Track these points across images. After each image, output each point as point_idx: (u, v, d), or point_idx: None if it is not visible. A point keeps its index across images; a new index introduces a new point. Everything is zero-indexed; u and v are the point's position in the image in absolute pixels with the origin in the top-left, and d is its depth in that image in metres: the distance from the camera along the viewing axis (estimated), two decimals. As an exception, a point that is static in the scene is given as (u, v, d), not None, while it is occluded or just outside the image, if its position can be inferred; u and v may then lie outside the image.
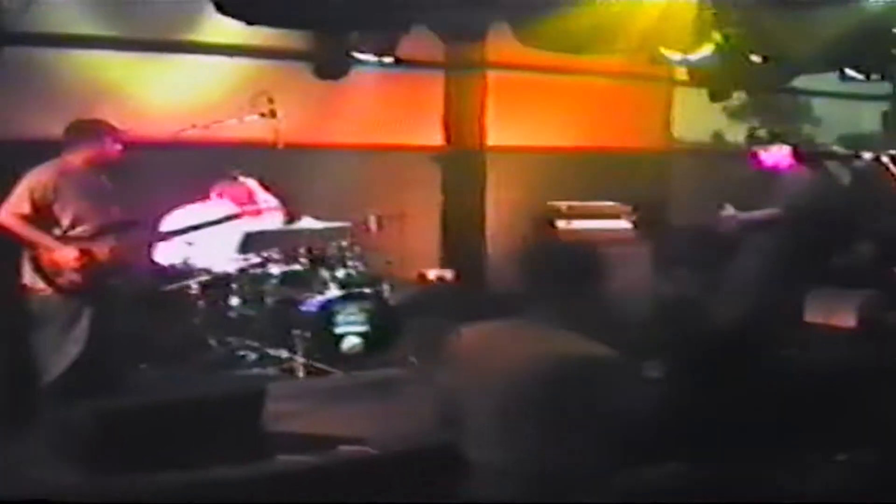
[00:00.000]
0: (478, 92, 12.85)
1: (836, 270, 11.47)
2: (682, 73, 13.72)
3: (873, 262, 11.59)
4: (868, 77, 13.36)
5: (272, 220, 10.18)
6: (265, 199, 10.24)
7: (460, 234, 12.73)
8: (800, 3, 11.13)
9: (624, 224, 12.24)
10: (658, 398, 6.93)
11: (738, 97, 14.21)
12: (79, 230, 7.98)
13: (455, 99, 12.83)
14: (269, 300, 10.02)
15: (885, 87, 14.01)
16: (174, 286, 9.79)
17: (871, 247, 11.94)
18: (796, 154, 10.83)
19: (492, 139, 12.86)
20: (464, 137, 12.79)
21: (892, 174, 10.95)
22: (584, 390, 4.78)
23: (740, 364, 8.67)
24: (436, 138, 12.76)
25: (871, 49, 12.51)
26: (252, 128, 9.73)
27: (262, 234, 10.08)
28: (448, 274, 11.96)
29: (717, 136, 14.38)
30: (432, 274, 11.89)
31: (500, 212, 12.85)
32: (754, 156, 10.79)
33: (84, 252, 7.93)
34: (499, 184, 12.87)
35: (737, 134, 14.08)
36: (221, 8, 9.83)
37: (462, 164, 12.81)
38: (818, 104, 15.23)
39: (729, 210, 10.57)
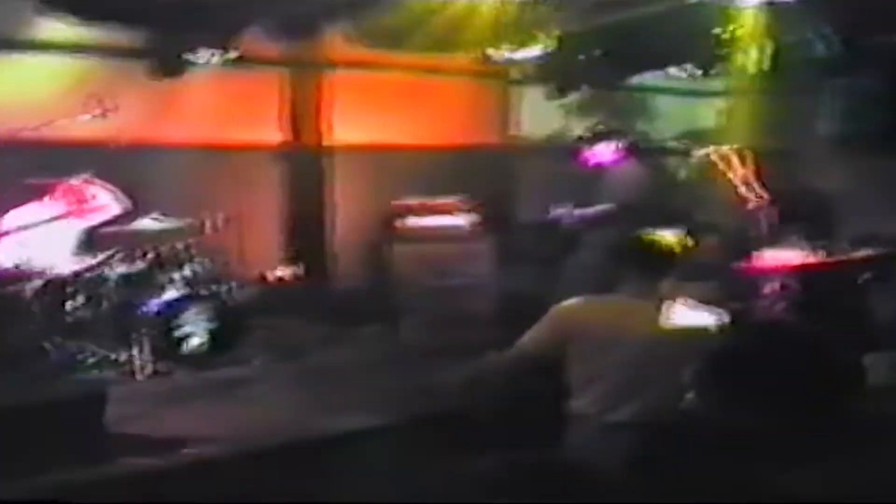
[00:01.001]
0: (318, 90, 12.82)
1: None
2: (520, 71, 13.85)
3: (710, 255, 11.86)
4: (706, 73, 13.68)
5: (104, 219, 10.01)
6: (99, 199, 10.06)
7: (302, 233, 12.69)
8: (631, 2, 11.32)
9: (466, 220, 12.35)
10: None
11: (576, 94, 14.39)
12: None
13: (295, 97, 12.78)
14: (108, 301, 9.85)
15: (720, 84, 14.33)
16: (7, 289, 9.56)
17: (707, 241, 12.21)
18: (630, 150, 11.06)
19: (333, 137, 12.83)
20: (305, 135, 12.75)
21: (724, 170, 11.22)
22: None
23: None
24: (277, 136, 12.69)
25: (700, 47, 12.80)
26: (90, 127, 9.56)
27: (100, 234, 9.92)
28: (290, 273, 11.90)
29: (557, 132, 14.53)
30: (275, 273, 11.82)
31: (343, 210, 12.84)
32: (581, 153, 11.03)
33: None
34: (341, 182, 12.86)
35: (576, 131, 14.28)
36: (49, 4, 9.65)
37: (303, 162, 12.77)
38: (655, 101, 15.49)
39: (563, 207, 10.75)
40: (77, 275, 9.81)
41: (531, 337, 6.53)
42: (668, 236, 6.89)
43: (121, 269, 10.01)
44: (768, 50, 12.62)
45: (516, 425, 7.11)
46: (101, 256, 9.92)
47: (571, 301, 6.56)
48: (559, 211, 10.86)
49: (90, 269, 9.87)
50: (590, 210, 10.68)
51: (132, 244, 10.11)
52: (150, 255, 10.11)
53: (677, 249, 6.81)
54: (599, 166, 10.92)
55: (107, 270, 9.92)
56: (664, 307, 6.47)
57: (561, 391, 6.52)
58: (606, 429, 6.20)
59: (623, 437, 6.15)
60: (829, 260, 10.76)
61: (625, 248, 6.86)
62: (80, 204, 9.87)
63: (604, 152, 10.88)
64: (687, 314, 6.56)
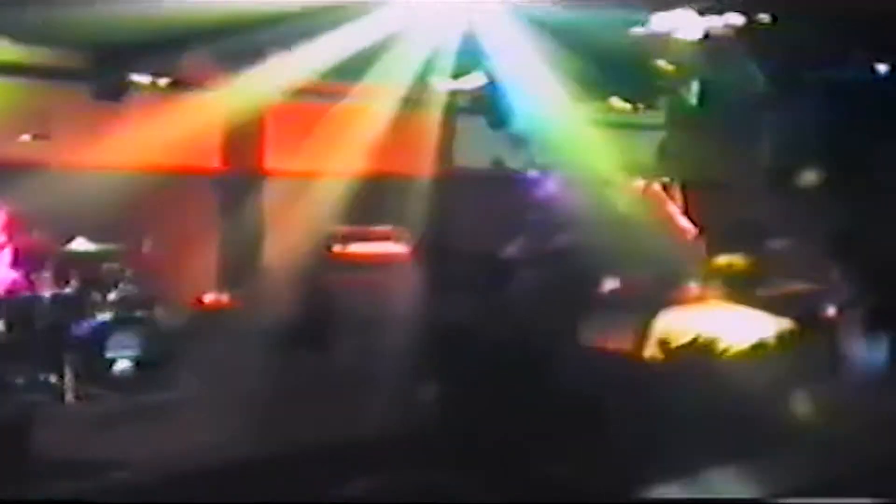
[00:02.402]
0: (256, 117, 12.83)
1: (607, 296, 11.83)
2: (460, 101, 13.92)
3: (648, 286, 11.95)
4: (642, 106, 13.83)
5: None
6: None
7: (237, 258, 12.67)
8: (570, 32, 11.43)
9: (400, 248, 12.40)
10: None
11: (517, 125, 14.47)
12: None
13: (233, 123, 12.77)
14: (38, 324, 9.80)
15: (658, 118, 14.46)
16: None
17: (645, 272, 12.30)
18: (566, 182, 11.16)
19: (270, 164, 12.85)
20: (241, 161, 12.75)
21: (663, 200, 11.33)
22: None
23: (515, 386, 8.97)
24: (213, 162, 12.68)
25: (639, 79, 12.93)
26: (26, 149, 9.54)
27: (32, 256, 9.88)
28: (224, 298, 11.88)
29: (496, 162, 14.60)
30: (208, 298, 11.80)
31: (277, 236, 12.84)
32: (522, 184, 11.11)
33: None
34: (276, 208, 12.86)
35: (515, 161, 14.37)
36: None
37: (239, 188, 12.77)
38: (592, 133, 15.58)
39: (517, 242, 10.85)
40: (8, 295, 9.77)
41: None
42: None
43: (53, 290, 9.97)
44: (703, 83, 12.78)
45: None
46: (32, 277, 9.88)
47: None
48: (511, 248, 10.92)
49: (22, 289, 9.83)
50: (525, 241, 10.76)
51: (66, 266, 10.08)
52: (83, 277, 10.09)
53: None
54: (540, 198, 10.99)
55: (39, 291, 9.88)
56: None
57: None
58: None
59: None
60: (762, 295, 10.86)
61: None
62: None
63: (543, 184, 10.97)
64: None
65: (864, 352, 10.46)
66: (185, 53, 11.22)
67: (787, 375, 7.42)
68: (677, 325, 7.38)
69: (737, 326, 7.13)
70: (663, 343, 7.32)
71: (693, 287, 10.59)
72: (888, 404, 8.56)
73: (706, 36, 11.30)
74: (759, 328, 7.15)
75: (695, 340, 7.26)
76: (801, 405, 8.05)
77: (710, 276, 7.55)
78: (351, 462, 7.54)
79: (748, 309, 7.24)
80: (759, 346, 7.06)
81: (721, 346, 7.09)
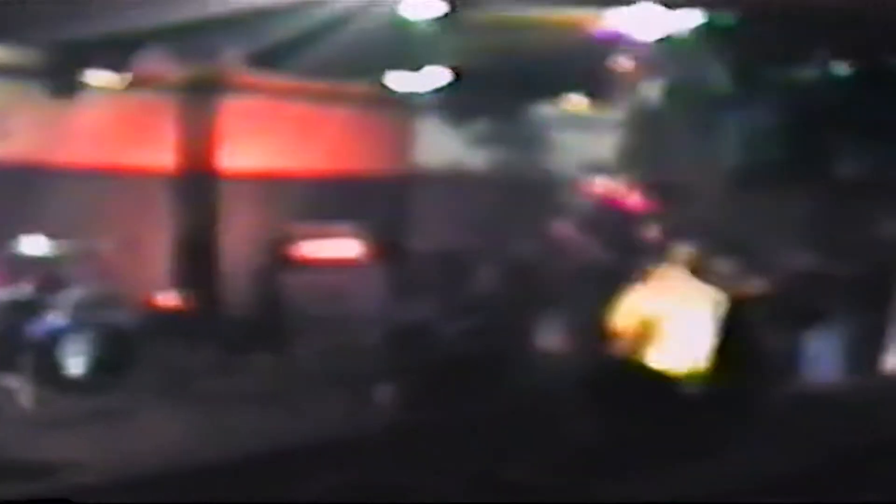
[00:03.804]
0: (213, 115, 12.71)
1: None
2: (420, 100, 13.87)
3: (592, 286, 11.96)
4: (603, 104, 13.85)
5: None
6: None
7: (193, 258, 12.54)
8: (526, 30, 11.40)
9: (358, 248, 12.32)
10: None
11: (477, 124, 14.43)
12: None
13: (189, 121, 12.65)
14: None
15: (619, 115, 14.46)
16: None
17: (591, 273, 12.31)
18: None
19: (226, 163, 12.72)
20: (198, 160, 12.62)
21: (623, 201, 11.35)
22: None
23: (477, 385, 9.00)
24: (169, 161, 12.54)
25: (598, 78, 12.93)
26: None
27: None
28: (180, 299, 11.76)
29: (458, 162, 14.55)
30: (163, 299, 11.68)
31: (234, 236, 12.72)
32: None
33: None
34: (233, 208, 12.74)
35: (477, 160, 14.35)
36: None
37: (195, 187, 12.63)
38: (553, 132, 15.56)
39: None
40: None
41: None
42: None
43: (7, 291, 9.88)
44: (665, 83, 12.81)
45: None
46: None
47: None
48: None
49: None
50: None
51: (18, 268, 9.99)
52: (39, 279, 9.99)
53: None
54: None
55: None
56: None
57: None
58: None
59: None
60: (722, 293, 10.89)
61: None
62: None
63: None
64: None
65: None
66: (140, 51, 11.10)
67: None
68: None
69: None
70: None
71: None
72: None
73: (668, 36, 11.33)
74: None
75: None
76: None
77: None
78: (309, 462, 7.52)
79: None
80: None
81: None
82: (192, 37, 10.90)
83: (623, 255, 11.83)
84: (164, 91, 12.33)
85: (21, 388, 9.33)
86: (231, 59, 11.71)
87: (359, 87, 12.81)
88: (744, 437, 7.85)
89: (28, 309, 9.86)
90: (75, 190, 11.24)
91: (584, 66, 12.36)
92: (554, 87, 13.54)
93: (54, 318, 9.77)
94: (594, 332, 9.43)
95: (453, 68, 12.21)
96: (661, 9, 10.41)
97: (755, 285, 11.08)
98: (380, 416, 9.11)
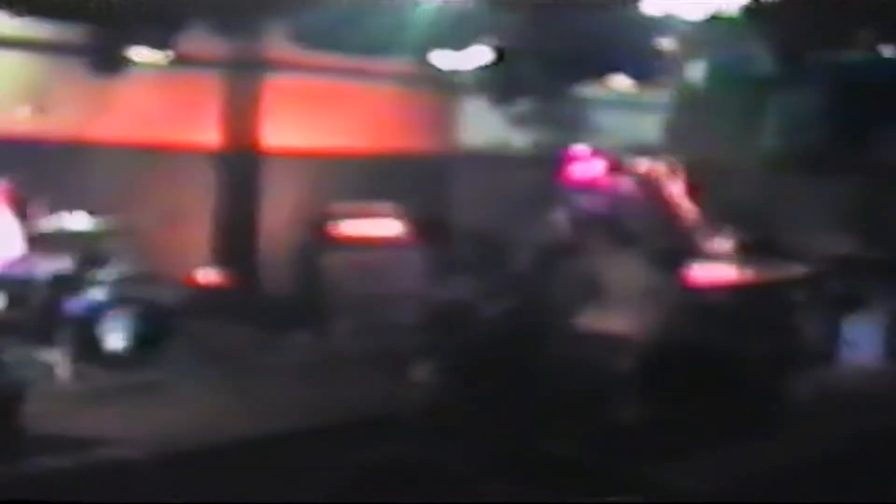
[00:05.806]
0: (256, 93, 12.72)
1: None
2: (463, 79, 13.83)
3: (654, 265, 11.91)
4: (648, 86, 13.77)
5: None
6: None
7: (234, 235, 12.57)
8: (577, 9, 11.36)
9: (399, 227, 12.30)
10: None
11: (519, 105, 14.36)
12: None
13: (233, 99, 12.67)
14: (33, 301, 9.73)
15: (661, 98, 14.36)
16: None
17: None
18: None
19: (269, 141, 12.73)
20: (240, 138, 12.64)
21: (665, 181, 11.28)
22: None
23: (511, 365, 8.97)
24: (212, 138, 12.57)
25: (644, 60, 12.86)
26: (23, 123, 9.47)
27: (29, 234, 9.84)
28: (220, 276, 11.79)
29: (501, 141, 14.49)
30: (204, 276, 11.71)
31: (276, 214, 12.74)
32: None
33: None
34: (274, 186, 12.75)
35: (521, 140, 14.28)
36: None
37: (238, 165, 12.66)
38: (597, 113, 15.48)
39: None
40: (4, 273, 9.71)
41: None
42: None
43: (49, 267, 9.91)
44: (710, 64, 12.71)
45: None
46: (30, 255, 9.83)
47: None
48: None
49: (18, 266, 9.77)
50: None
51: (60, 243, 10.02)
52: (79, 255, 10.03)
53: None
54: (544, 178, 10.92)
55: (35, 269, 9.82)
56: None
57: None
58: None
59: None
60: (762, 276, 10.82)
61: None
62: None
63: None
64: None
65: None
66: (183, 28, 11.12)
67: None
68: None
69: None
70: None
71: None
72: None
73: (714, 17, 11.26)
74: None
75: None
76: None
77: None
78: (346, 440, 7.52)
79: None
80: None
81: None
82: (236, 13, 10.92)
83: (664, 237, 11.76)
84: (207, 68, 12.35)
85: (61, 363, 9.37)
86: (275, 36, 11.72)
87: (402, 65, 12.76)
88: (783, 421, 7.80)
89: (69, 285, 9.88)
90: (118, 166, 11.27)
91: (630, 45, 12.30)
92: (598, 68, 13.46)
93: (95, 295, 9.79)
94: (634, 311, 9.41)
95: (497, 47, 12.16)
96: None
97: (795, 269, 11.02)
98: (418, 395, 9.09)
